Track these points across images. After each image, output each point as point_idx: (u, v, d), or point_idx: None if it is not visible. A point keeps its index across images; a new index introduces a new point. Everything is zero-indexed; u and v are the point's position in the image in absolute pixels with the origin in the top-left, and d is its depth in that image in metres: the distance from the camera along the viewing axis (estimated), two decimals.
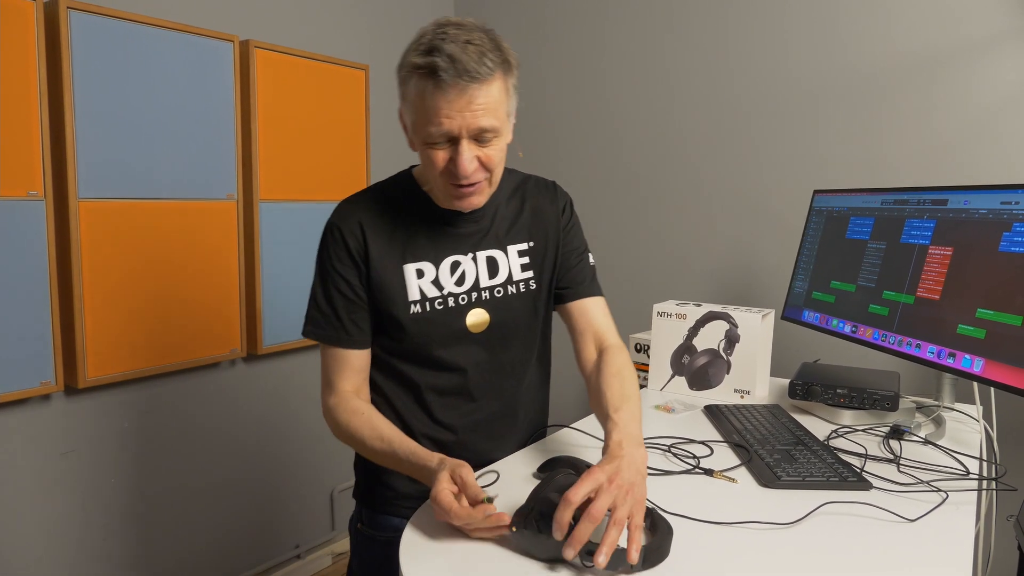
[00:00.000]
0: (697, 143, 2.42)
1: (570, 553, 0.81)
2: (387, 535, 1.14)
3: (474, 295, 1.15)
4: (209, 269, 2.10)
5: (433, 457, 0.99)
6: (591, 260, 1.29)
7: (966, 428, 1.38)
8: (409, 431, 1.14)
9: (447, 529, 0.93)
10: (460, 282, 1.15)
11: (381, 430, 1.08)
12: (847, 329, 1.55)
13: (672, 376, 1.62)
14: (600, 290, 1.28)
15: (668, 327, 1.62)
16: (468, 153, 1.01)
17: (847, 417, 1.40)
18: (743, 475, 1.13)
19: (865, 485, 1.07)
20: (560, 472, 0.94)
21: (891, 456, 1.21)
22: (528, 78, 2.69)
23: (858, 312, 1.53)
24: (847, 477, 1.08)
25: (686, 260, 2.47)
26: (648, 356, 2.19)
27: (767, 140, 2.28)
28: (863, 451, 1.23)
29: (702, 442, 1.28)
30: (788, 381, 1.49)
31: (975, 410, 1.44)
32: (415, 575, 0.83)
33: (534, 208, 1.23)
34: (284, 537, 2.43)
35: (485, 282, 1.16)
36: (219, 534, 2.24)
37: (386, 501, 1.18)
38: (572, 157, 2.69)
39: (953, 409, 1.47)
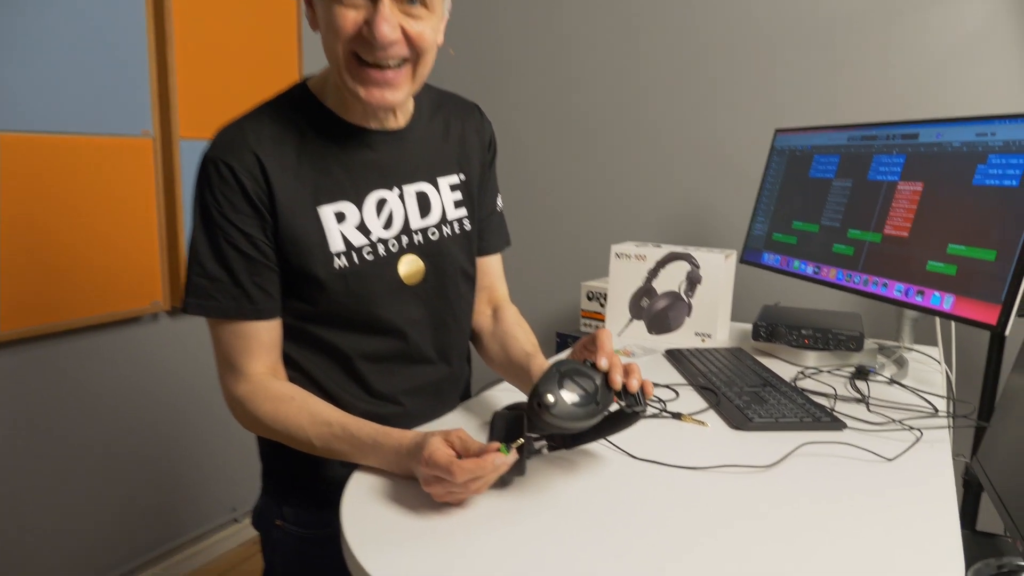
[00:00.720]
0: (655, 82, 2.32)
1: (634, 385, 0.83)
2: (323, 531, 0.97)
3: (405, 239, 0.99)
4: (125, 214, 1.91)
5: (408, 433, 0.85)
6: (500, 204, 1.18)
7: (927, 368, 1.36)
8: (342, 410, 0.94)
9: (403, 499, 0.83)
10: (388, 224, 0.97)
11: (324, 415, 0.90)
12: (809, 270, 1.50)
13: (630, 320, 1.54)
14: (508, 238, 1.20)
15: (627, 269, 1.54)
16: (389, 13, 0.83)
17: (811, 359, 1.35)
18: (712, 418, 1.07)
19: (839, 425, 1.02)
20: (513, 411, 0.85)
21: (859, 396, 1.16)
22: (480, 12, 2.53)
23: (821, 252, 1.48)
24: (820, 417, 1.03)
25: (640, 206, 2.39)
26: (601, 305, 2.13)
27: (726, 81, 2.20)
28: (832, 392, 1.18)
29: (666, 386, 1.22)
30: (748, 325, 1.44)
31: (936, 351, 1.42)
32: (374, 565, 0.73)
33: (460, 136, 1.07)
34: (219, 501, 2.30)
35: (416, 223, 1.00)
36: (148, 502, 2.09)
37: (318, 493, 0.97)
38: (524, 97, 2.56)
39: (913, 349, 1.45)
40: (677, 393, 1.18)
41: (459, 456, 0.78)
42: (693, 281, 1.50)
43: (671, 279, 1.51)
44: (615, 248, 1.56)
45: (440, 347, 1.06)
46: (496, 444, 0.77)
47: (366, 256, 0.96)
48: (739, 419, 1.03)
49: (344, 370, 1.00)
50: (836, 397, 1.15)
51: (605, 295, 2.12)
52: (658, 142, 2.34)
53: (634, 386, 0.83)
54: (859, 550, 0.71)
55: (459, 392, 1.13)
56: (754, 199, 1.77)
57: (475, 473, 0.75)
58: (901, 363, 1.33)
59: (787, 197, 1.65)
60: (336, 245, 0.94)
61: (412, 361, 1.03)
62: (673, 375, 1.29)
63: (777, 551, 0.70)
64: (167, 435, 2.13)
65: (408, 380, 1.03)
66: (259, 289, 0.92)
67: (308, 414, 0.90)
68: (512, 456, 0.76)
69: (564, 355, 1.11)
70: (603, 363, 0.84)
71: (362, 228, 0.96)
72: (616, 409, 0.84)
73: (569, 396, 0.78)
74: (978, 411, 1.62)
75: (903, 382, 1.25)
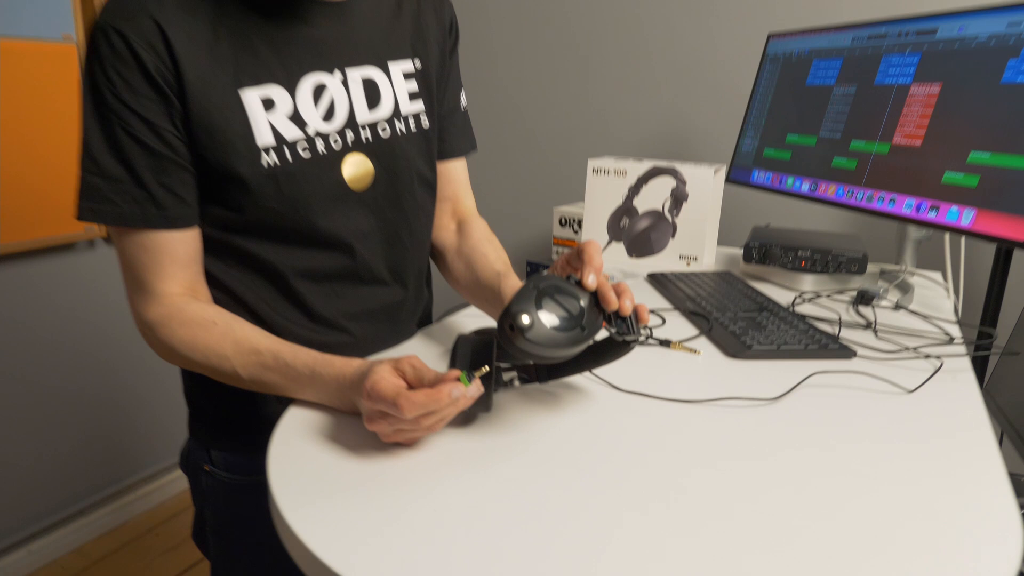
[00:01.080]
0: None
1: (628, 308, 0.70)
2: (256, 478, 0.80)
3: (350, 135, 0.83)
4: (52, 128, 1.69)
5: (352, 361, 0.71)
6: (464, 102, 1.01)
7: (932, 293, 1.25)
8: (277, 337, 0.79)
9: (346, 440, 0.69)
10: (329, 116, 0.81)
11: (253, 342, 0.75)
12: (805, 188, 1.36)
13: (609, 242, 1.40)
14: (473, 141, 1.03)
15: (605, 186, 1.39)
16: None
17: (807, 283, 1.23)
18: (705, 346, 0.94)
19: (848, 353, 0.90)
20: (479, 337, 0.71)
21: (865, 322, 1.04)
22: None
23: (819, 167, 1.34)
24: (827, 344, 0.91)
25: (617, 123, 2.22)
26: (575, 231, 1.98)
27: None
28: (836, 317, 1.06)
29: (652, 311, 1.08)
30: (735, 249, 1.30)
31: (938, 275, 1.31)
32: (302, 523, 0.59)
33: (415, 14, 0.90)
34: (172, 439, 2.15)
35: (364, 116, 0.84)
36: (95, 441, 1.93)
37: (250, 434, 0.83)
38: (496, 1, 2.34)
39: (916, 273, 1.33)
40: (664, 319, 1.05)
41: (410, 387, 0.64)
42: (678, 199, 1.36)
43: (654, 197, 1.37)
44: (592, 163, 1.40)
45: (394, 265, 0.91)
46: (455, 373, 0.62)
47: (301, 153, 0.79)
48: (736, 346, 0.90)
49: (280, 291, 0.84)
50: (841, 323, 1.03)
51: (580, 220, 1.97)
52: (639, 51, 2.15)
53: (627, 309, 0.70)
54: (891, 498, 0.59)
55: (417, 318, 0.99)
56: (742, 114, 1.61)
57: (427, 407, 0.61)
58: (905, 288, 1.22)
59: (780, 109, 1.49)
60: (264, 138, 0.77)
61: (361, 281, 0.88)
62: (658, 300, 1.15)
63: (789, 496, 0.58)
64: (112, 371, 1.96)
65: (356, 303, 0.88)
66: (167, 191, 0.75)
67: (233, 341, 0.75)
68: (475, 388, 0.62)
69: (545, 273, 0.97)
70: (591, 280, 0.69)
71: (296, 119, 0.79)
72: (604, 337, 0.70)
73: (549, 318, 0.64)
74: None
75: (910, 307, 1.14)
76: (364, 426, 0.64)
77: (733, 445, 0.67)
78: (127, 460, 2.05)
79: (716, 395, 0.77)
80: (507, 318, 0.63)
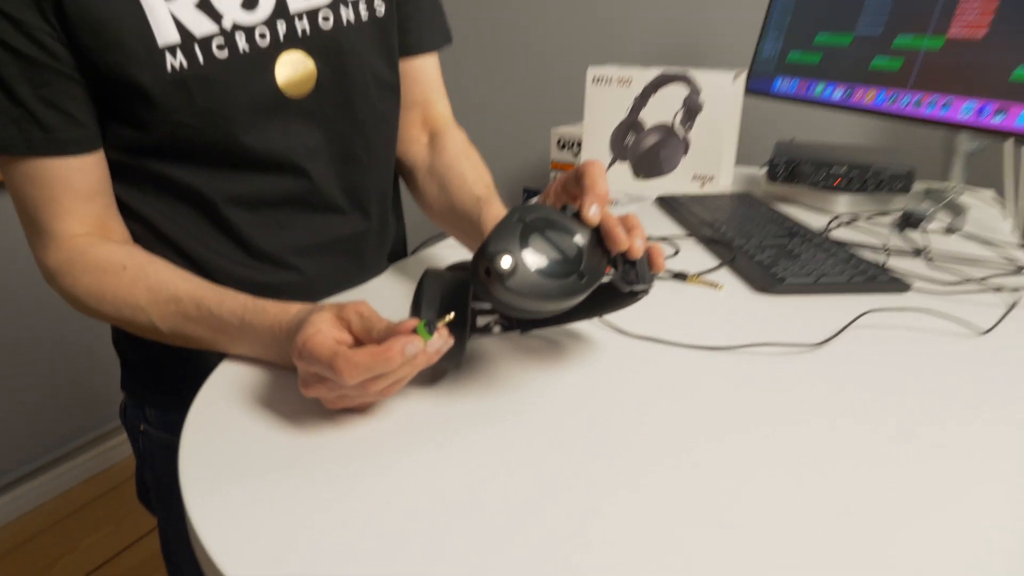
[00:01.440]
0: None
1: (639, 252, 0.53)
2: None
3: (282, 28, 0.66)
4: None
5: (291, 306, 0.56)
6: None
7: (986, 215, 1.08)
8: (205, 279, 0.64)
9: (284, 403, 0.55)
10: (251, 3, 0.64)
11: (171, 288, 0.61)
12: (837, 95, 1.18)
13: (613, 161, 1.23)
14: (446, 33, 0.84)
15: (607, 97, 1.21)
16: None
17: (842, 205, 1.07)
18: (728, 279, 0.78)
19: (901, 286, 0.75)
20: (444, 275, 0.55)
21: (915, 249, 0.88)
22: None
23: (855, 70, 1.15)
24: (875, 276, 0.75)
25: (620, 29, 2.00)
26: (575, 155, 1.80)
27: None
28: (881, 243, 0.90)
29: (663, 238, 0.92)
30: (752, 169, 1.14)
31: (990, 194, 1.14)
32: (207, 521, 0.46)
33: None
34: None
35: (297, 2, 0.66)
36: (69, 387, 1.81)
37: (185, 390, 0.62)
38: None
39: (966, 191, 1.16)
40: (677, 248, 0.89)
41: (357, 342, 0.50)
42: (692, 110, 1.18)
43: (663, 109, 1.19)
44: (592, 71, 1.22)
45: (351, 188, 0.74)
46: (411, 323, 0.47)
47: (216, 53, 0.62)
48: (765, 279, 0.75)
49: (210, 221, 0.69)
50: (888, 250, 0.88)
51: (579, 143, 1.79)
52: None
53: (638, 250, 0.53)
54: (978, 476, 0.44)
55: (387, 250, 0.83)
56: (762, 14, 1.41)
57: (373, 370, 0.46)
58: (957, 209, 1.05)
59: (808, 5, 1.29)
60: (166, 35, 0.60)
61: (310, 208, 0.72)
62: (670, 226, 0.99)
63: (843, 474, 0.44)
64: (61, 317, 1.82)
65: (306, 235, 0.72)
66: (52, 108, 0.59)
67: (146, 287, 0.61)
68: (439, 341, 0.47)
69: (535, 201, 0.81)
70: (592, 212, 0.53)
71: (206, 8, 0.62)
72: (605, 282, 0.55)
73: (536, 260, 0.48)
74: None
75: (965, 231, 0.98)
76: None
77: (768, 404, 0.52)
78: (106, 405, 1.94)
79: (744, 340, 0.62)
80: (483, 259, 0.47)
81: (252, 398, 0.53)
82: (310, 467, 0.45)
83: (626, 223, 0.54)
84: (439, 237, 0.91)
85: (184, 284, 0.61)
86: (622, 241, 0.52)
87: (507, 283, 0.47)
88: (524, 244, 0.48)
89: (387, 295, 0.73)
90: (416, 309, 0.52)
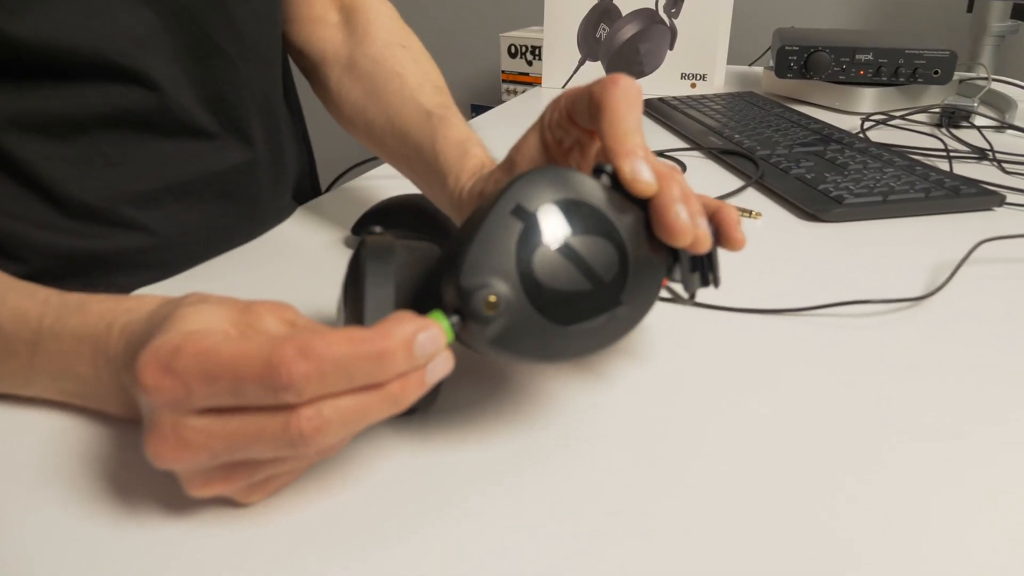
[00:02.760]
0: None
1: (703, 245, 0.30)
2: None
3: None
4: None
5: (133, 300, 0.32)
6: None
7: None
8: None
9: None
10: None
11: None
12: None
13: (581, 61, 1.00)
14: None
15: None
16: None
17: (867, 102, 0.87)
18: (761, 202, 0.59)
19: (995, 198, 0.56)
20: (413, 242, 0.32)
21: (979, 149, 0.70)
22: None
23: None
24: (959, 188, 0.56)
25: None
26: (528, 63, 1.55)
27: None
28: (939, 144, 0.72)
29: (663, 153, 0.72)
30: (747, 68, 0.93)
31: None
32: None
33: None
34: None
35: None
36: None
37: None
38: None
39: (999, 80, 0.98)
40: (684, 165, 0.69)
41: None
42: None
43: None
44: None
45: (216, 100, 0.49)
46: (409, 317, 0.25)
47: None
48: (815, 201, 0.55)
49: None
50: (950, 154, 0.69)
51: (534, 48, 1.55)
52: None
53: (706, 239, 0.30)
54: None
55: (283, 190, 0.59)
56: None
57: (354, 373, 0.24)
58: (1002, 103, 0.87)
59: None
60: None
61: (152, 132, 0.47)
62: (664, 137, 0.79)
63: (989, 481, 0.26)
64: None
65: (151, 173, 0.47)
66: None
67: None
68: (445, 360, 0.26)
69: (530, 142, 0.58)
70: (644, 177, 0.29)
71: None
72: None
73: (548, 291, 0.26)
74: None
75: (1016, 123, 0.80)
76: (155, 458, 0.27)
77: (867, 397, 0.33)
78: None
79: (817, 296, 0.43)
80: (452, 290, 0.26)
81: (66, 474, 0.32)
82: None
83: (671, 187, 0.29)
84: (368, 161, 0.69)
85: None
86: (685, 231, 0.29)
87: (492, 335, 0.26)
88: (526, 264, 0.26)
89: (293, 265, 0.50)
90: (353, 307, 0.30)
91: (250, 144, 0.52)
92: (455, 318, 0.26)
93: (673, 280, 0.31)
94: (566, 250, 0.26)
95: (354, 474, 0.29)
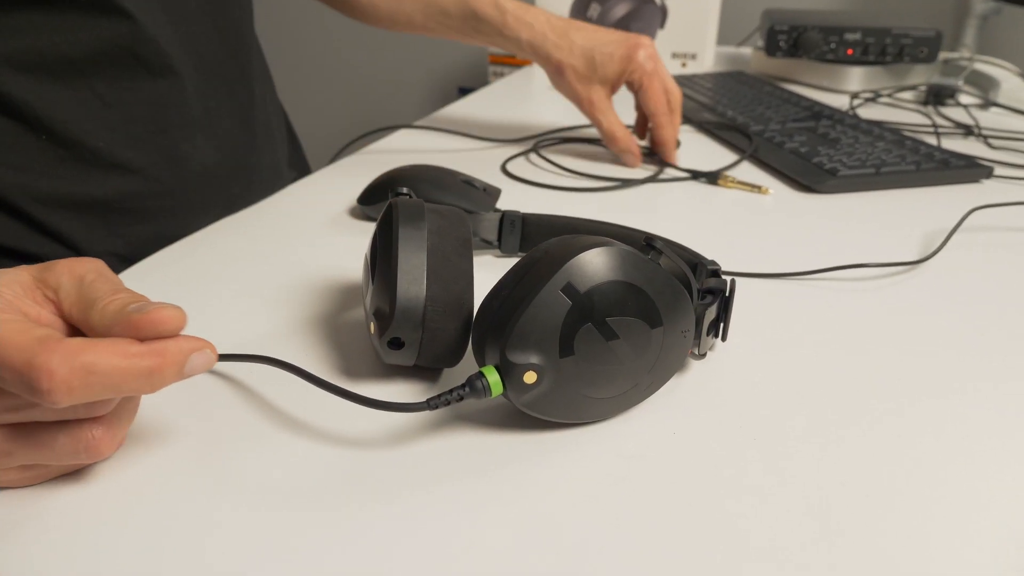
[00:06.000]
0: None
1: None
2: None
3: None
4: None
5: None
6: None
7: (1014, 86, 0.92)
8: None
9: None
10: None
11: None
12: None
13: None
14: None
15: None
16: None
17: (855, 80, 0.89)
18: (756, 175, 0.60)
19: (983, 171, 0.58)
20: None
21: (962, 127, 0.72)
22: None
23: None
24: (948, 161, 0.58)
25: None
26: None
27: None
28: (927, 121, 0.73)
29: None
30: (734, 49, 0.94)
31: (1006, 64, 0.98)
32: None
33: None
34: None
35: None
36: None
37: None
38: None
39: (982, 60, 1.00)
40: (679, 142, 0.70)
41: (70, 330, 0.26)
42: None
43: None
44: None
45: (192, 39, 0.49)
46: (185, 337, 0.24)
47: None
48: (810, 173, 0.57)
49: None
50: (937, 129, 0.70)
51: None
52: None
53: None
54: None
55: (274, 144, 0.60)
56: None
57: (108, 385, 0.22)
58: (986, 81, 0.89)
59: None
60: None
61: (141, 69, 0.46)
62: None
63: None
64: None
65: (144, 114, 0.47)
66: None
67: None
68: (203, 360, 0.24)
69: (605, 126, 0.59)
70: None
71: None
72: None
73: (585, 370, 0.28)
74: None
75: (1001, 102, 0.82)
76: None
77: (867, 356, 0.35)
78: None
79: (819, 260, 0.44)
80: (502, 358, 0.27)
81: None
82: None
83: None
84: (375, 133, 0.69)
85: None
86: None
87: (526, 402, 0.28)
88: (567, 340, 0.27)
89: (298, 234, 0.51)
90: (385, 270, 0.30)
91: (228, 86, 0.52)
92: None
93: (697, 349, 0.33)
94: (607, 330, 0.27)
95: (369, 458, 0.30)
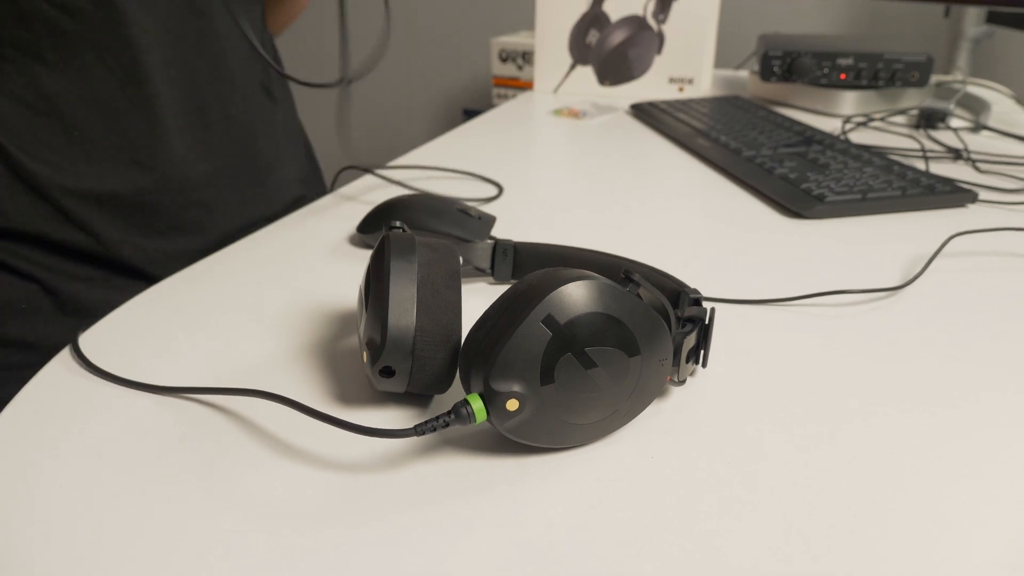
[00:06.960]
0: None
1: None
2: None
3: None
4: None
5: None
6: None
7: (1004, 108, 0.94)
8: None
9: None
10: None
11: None
12: None
13: (572, 66, 1.03)
14: None
15: None
16: None
17: (848, 104, 0.90)
18: (745, 201, 0.62)
19: (968, 196, 0.59)
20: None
21: (952, 151, 0.73)
22: None
23: None
24: (934, 186, 0.59)
25: None
26: (519, 67, 1.58)
27: None
28: (916, 145, 0.75)
29: None
30: (732, 72, 0.96)
31: (997, 87, 1.00)
32: None
33: None
34: None
35: None
36: None
37: None
38: None
39: (975, 83, 1.02)
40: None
41: None
42: None
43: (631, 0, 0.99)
44: None
45: (195, 60, 0.53)
46: None
47: None
48: (797, 198, 0.58)
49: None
50: (926, 154, 0.72)
51: (525, 53, 1.57)
52: None
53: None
54: None
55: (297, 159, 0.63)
56: None
57: None
58: (977, 104, 0.91)
59: None
60: None
61: (137, 81, 0.49)
62: (652, 139, 0.81)
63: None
64: None
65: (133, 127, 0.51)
66: None
67: None
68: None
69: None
70: None
71: None
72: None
73: (565, 399, 0.29)
74: None
75: (991, 125, 0.83)
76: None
77: (852, 376, 0.36)
78: None
79: (802, 286, 0.46)
80: (485, 387, 0.29)
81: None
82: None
83: None
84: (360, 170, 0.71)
85: None
86: None
87: (509, 428, 0.29)
88: (548, 369, 0.28)
89: (300, 263, 0.53)
90: (376, 303, 0.32)
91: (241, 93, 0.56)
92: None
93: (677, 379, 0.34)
94: (586, 360, 0.29)
95: (364, 479, 0.31)
